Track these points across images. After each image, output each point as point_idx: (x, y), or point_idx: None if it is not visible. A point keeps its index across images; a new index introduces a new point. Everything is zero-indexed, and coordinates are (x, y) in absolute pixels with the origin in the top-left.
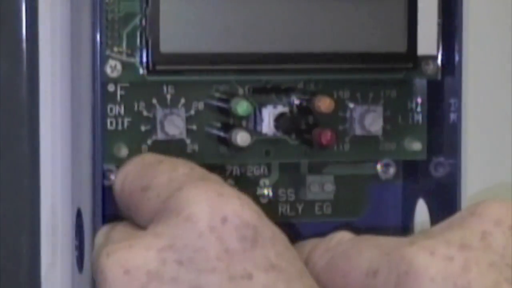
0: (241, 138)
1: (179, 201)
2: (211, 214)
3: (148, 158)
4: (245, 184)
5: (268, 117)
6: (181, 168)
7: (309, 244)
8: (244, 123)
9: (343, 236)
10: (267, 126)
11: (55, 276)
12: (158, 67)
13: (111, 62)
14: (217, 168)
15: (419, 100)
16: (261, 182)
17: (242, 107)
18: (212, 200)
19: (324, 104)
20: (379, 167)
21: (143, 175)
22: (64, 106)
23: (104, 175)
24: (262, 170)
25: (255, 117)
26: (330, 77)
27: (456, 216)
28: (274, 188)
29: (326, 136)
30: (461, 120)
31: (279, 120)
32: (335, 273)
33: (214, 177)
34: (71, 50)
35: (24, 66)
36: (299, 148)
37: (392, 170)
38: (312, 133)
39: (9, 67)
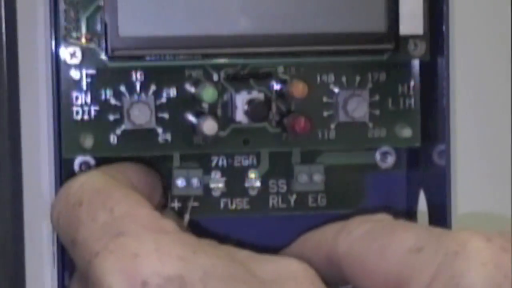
0: (207, 126)
1: (97, 271)
2: (129, 282)
3: (71, 195)
4: (233, 176)
5: (242, 104)
6: (100, 216)
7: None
8: (219, 111)
9: (385, 217)
10: (241, 113)
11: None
12: (117, 53)
13: (70, 49)
14: (200, 159)
15: (411, 83)
16: (250, 173)
17: (207, 93)
18: (127, 266)
19: (297, 89)
20: (376, 155)
21: (69, 222)
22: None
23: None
24: (250, 160)
25: (232, 105)
26: (306, 60)
27: None
28: (264, 179)
29: (300, 123)
30: (449, 103)
31: (249, 107)
32: (372, 244)
33: (133, 226)
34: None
35: (3, 54)
36: (279, 136)
37: (390, 159)
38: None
39: None
